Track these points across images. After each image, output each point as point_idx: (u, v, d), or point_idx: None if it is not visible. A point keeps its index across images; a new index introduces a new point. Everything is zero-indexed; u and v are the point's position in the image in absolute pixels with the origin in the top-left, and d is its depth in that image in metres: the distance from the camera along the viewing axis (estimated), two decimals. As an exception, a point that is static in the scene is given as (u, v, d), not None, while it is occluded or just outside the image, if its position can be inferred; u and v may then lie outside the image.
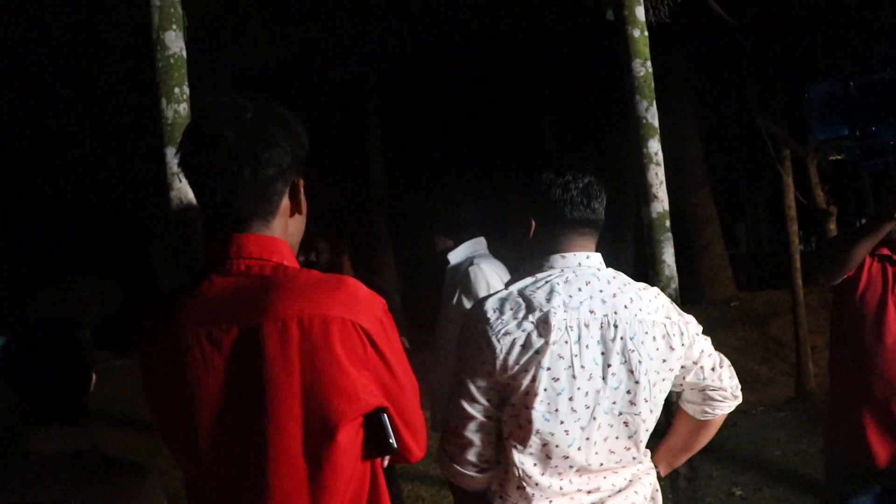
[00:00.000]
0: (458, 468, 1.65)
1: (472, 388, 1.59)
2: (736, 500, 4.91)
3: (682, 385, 1.79)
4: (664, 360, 1.66)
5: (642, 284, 1.75)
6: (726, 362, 1.83)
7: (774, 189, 10.19)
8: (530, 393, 1.56)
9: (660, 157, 2.82)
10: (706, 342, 1.78)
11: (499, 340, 1.57)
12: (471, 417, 1.60)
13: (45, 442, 1.69)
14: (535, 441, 1.58)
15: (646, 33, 2.91)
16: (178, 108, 2.33)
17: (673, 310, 1.74)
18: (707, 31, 8.37)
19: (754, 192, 27.78)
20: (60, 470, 1.66)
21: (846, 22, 7.10)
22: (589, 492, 1.66)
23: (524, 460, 1.60)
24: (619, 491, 1.69)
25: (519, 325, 1.57)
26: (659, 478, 1.86)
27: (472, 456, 1.63)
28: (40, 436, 1.70)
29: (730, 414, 1.85)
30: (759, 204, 28.78)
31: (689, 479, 2.98)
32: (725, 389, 1.80)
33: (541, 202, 1.70)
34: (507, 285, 1.72)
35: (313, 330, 1.26)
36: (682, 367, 1.73)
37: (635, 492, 1.71)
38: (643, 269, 2.94)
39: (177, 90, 2.33)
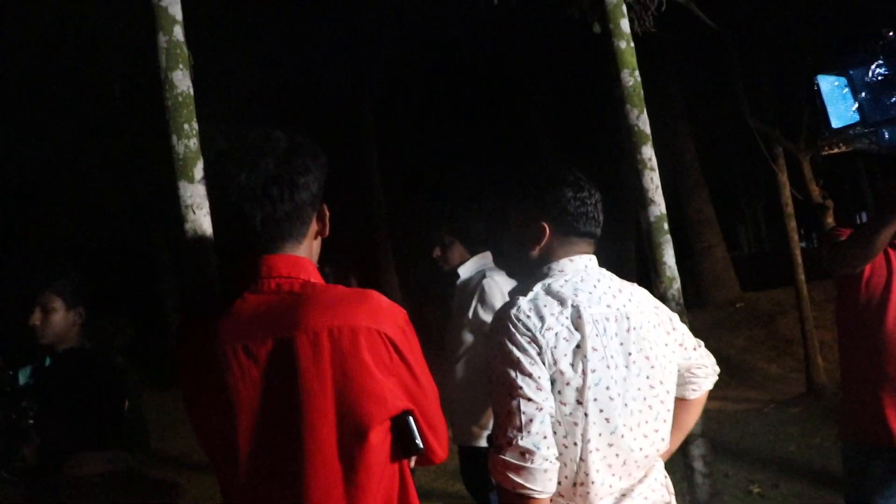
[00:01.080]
0: (534, 470, 1.60)
1: (528, 385, 1.62)
2: (754, 498, 4.94)
3: None
4: (666, 345, 1.83)
5: (627, 282, 1.89)
6: (701, 342, 1.99)
7: (772, 189, 10.29)
8: (580, 388, 1.65)
9: (654, 162, 2.91)
10: (683, 326, 1.95)
11: (543, 336, 1.65)
12: (536, 410, 1.61)
13: (82, 465, 1.77)
14: (591, 435, 1.65)
15: (632, 44, 3.00)
16: (189, 143, 2.41)
17: (655, 300, 1.91)
18: (694, 37, 8.50)
19: (752, 194, 27.87)
20: (98, 491, 1.73)
21: (827, 20, 7.22)
22: (628, 483, 1.75)
23: (584, 457, 1.66)
24: (641, 480, 1.77)
25: (557, 320, 1.67)
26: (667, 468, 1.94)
27: (545, 448, 1.60)
28: (78, 460, 1.77)
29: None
30: (757, 205, 28.86)
31: (704, 474, 3.04)
32: (707, 366, 1.97)
33: (558, 213, 1.82)
34: (515, 290, 1.82)
35: (343, 339, 1.36)
36: (675, 350, 1.88)
37: (654, 479, 1.81)
38: (645, 273, 3.01)
39: (186, 126, 2.41)
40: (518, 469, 1.59)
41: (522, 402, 1.61)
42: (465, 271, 3.29)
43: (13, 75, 9.96)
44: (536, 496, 1.60)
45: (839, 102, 2.75)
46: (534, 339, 1.65)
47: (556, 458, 1.62)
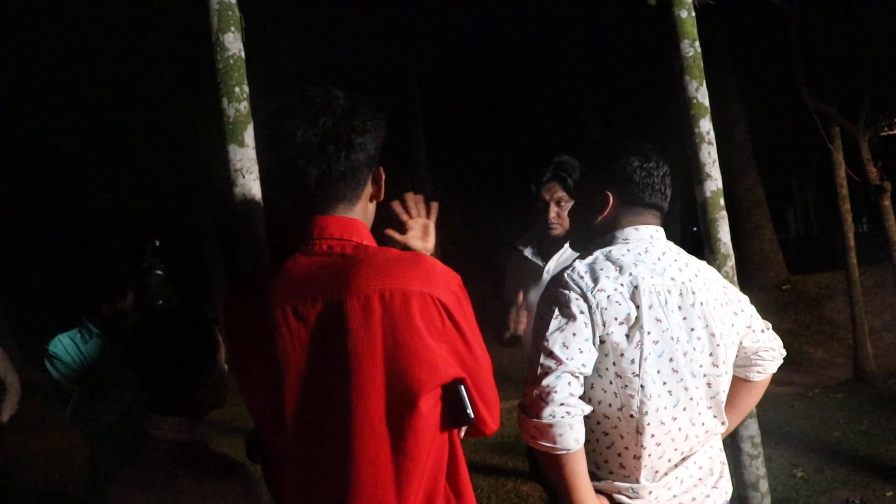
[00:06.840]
0: (543, 426, 1.57)
1: (555, 340, 1.59)
2: (797, 482, 4.85)
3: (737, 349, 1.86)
4: (732, 325, 1.77)
5: (695, 258, 1.84)
6: (769, 324, 1.93)
7: (823, 172, 10.02)
8: (637, 360, 1.61)
9: (712, 136, 2.82)
10: (752, 307, 1.89)
11: (595, 296, 1.62)
12: (555, 364, 1.58)
13: (154, 427, 1.75)
14: (649, 408, 1.62)
15: (693, 14, 2.91)
16: (239, 106, 2.39)
17: (724, 280, 1.86)
18: (752, 11, 8.25)
19: (803, 176, 27.30)
20: (165, 456, 1.71)
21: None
22: (680, 461, 1.73)
23: (641, 430, 1.64)
24: (695, 450, 1.74)
25: (611, 284, 1.64)
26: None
27: (556, 403, 1.55)
28: (152, 420, 1.76)
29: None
30: (807, 188, 28.26)
31: (752, 456, 2.98)
32: (775, 349, 1.91)
33: (624, 182, 1.78)
34: (577, 258, 1.77)
35: (394, 303, 1.31)
36: (741, 331, 1.82)
37: (711, 445, 1.80)
38: (690, 251, 2.90)
39: (237, 89, 2.39)
40: (526, 423, 1.59)
41: (543, 356, 1.59)
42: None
43: (66, 55, 10.14)
44: (557, 452, 1.57)
45: None
46: (584, 297, 1.62)
47: (570, 415, 1.56)
